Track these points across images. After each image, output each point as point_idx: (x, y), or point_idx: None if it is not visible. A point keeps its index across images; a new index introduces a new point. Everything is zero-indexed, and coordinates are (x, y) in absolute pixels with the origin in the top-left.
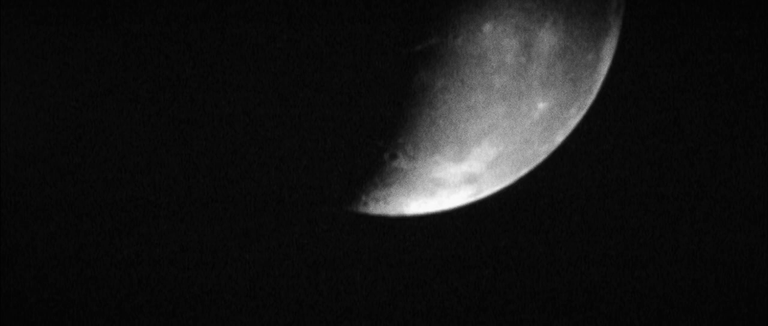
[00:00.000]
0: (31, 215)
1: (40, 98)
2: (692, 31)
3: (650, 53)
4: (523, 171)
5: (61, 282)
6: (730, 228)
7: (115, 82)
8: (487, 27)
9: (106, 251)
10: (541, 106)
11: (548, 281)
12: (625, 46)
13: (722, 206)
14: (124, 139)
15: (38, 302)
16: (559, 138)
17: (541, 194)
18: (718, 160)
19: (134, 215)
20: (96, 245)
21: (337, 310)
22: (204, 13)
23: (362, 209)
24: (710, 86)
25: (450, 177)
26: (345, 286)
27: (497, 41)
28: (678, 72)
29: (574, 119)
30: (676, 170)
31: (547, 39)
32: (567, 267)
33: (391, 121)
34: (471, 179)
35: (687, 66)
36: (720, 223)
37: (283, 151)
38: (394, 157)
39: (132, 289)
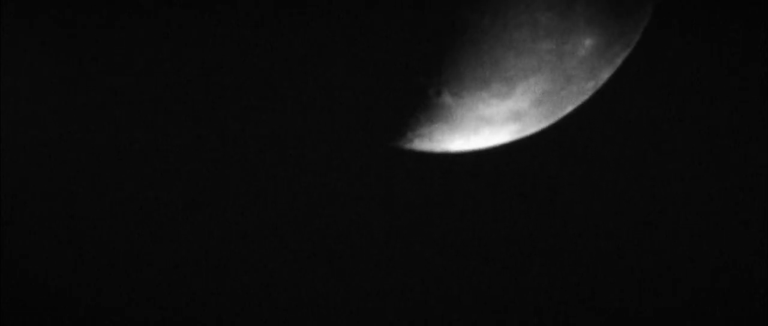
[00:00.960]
0: (32, 215)
1: (41, 97)
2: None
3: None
4: (569, 108)
5: (62, 283)
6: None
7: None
8: None
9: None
10: (587, 42)
11: (591, 221)
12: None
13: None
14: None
15: (38, 302)
16: (605, 74)
17: (586, 133)
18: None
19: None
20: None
21: (382, 248)
22: None
23: (408, 145)
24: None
25: (495, 114)
26: (390, 222)
27: None
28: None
29: (619, 56)
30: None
31: None
32: (609, 208)
33: (436, 57)
34: (516, 116)
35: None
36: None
37: (330, 87)
38: (438, 93)
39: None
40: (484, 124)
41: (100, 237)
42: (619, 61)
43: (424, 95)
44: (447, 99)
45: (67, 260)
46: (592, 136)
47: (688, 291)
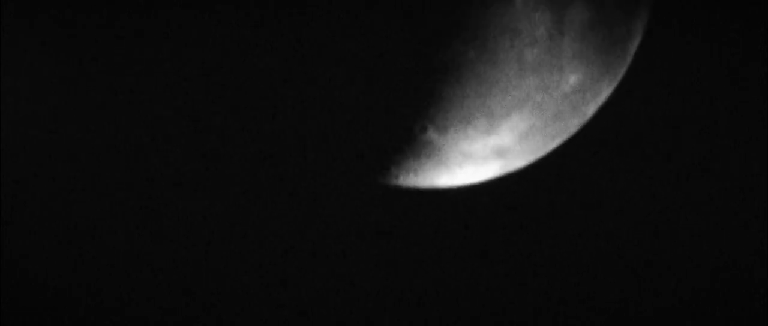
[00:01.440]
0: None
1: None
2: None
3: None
4: (554, 144)
5: (62, 283)
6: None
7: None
8: (519, 0)
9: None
10: (573, 78)
11: (575, 257)
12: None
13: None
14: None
15: (39, 302)
16: (591, 110)
17: (572, 169)
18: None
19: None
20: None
21: (367, 283)
22: None
23: (393, 181)
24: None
25: (479, 150)
26: (376, 258)
27: (529, 13)
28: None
29: (605, 92)
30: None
31: (579, 12)
32: (593, 244)
33: (422, 93)
34: (501, 152)
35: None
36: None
37: (315, 124)
38: (424, 129)
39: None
40: (469, 159)
41: (100, 238)
42: (604, 97)
43: (409, 131)
44: (432, 135)
45: (67, 260)
46: (577, 172)
47: (685, 304)
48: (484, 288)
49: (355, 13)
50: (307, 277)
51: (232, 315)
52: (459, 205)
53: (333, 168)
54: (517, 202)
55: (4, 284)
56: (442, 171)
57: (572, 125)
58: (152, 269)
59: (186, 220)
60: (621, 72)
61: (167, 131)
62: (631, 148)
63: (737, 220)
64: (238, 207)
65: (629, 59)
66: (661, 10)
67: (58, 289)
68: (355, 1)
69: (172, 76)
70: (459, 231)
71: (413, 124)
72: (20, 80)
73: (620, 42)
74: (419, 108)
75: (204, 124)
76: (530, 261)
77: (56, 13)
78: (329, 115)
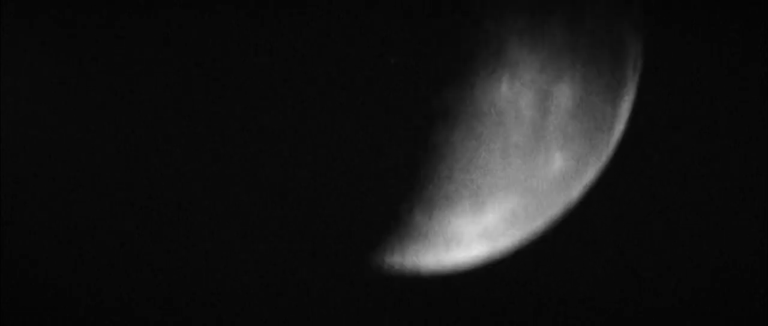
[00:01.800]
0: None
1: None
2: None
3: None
4: (540, 228)
5: (62, 282)
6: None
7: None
8: (504, 81)
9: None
10: (559, 162)
11: None
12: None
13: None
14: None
15: (38, 302)
16: (576, 193)
17: (558, 253)
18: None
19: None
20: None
21: None
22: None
23: (377, 267)
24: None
25: (465, 234)
26: None
27: (514, 95)
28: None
29: (590, 175)
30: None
31: (564, 93)
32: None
33: (407, 176)
34: (486, 236)
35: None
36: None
37: (294, 205)
38: (409, 211)
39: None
40: (455, 243)
41: (100, 237)
42: (590, 177)
43: (395, 213)
44: (417, 217)
45: (67, 260)
46: (567, 253)
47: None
48: None
49: (337, 98)
50: None
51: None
52: (444, 291)
53: (315, 255)
54: (506, 289)
55: (4, 284)
56: (428, 255)
57: (558, 205)
58: (151, 269)
59: (186, 221)
60: (606, 154)
61: (166, 132)
62: (619, 232)
63: (736, 229)
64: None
65: (615, 140)
66: (648, 91)
67: (58, 289)
68: (337, 85)
69: (172, 76)
70: (443, 319)
71: (399, 205)
72: (20, 80)
73: (606, 123)
74: (404, 190)
75: (203, 125)
76: None
77: (56, 13)
78: (310, 197)
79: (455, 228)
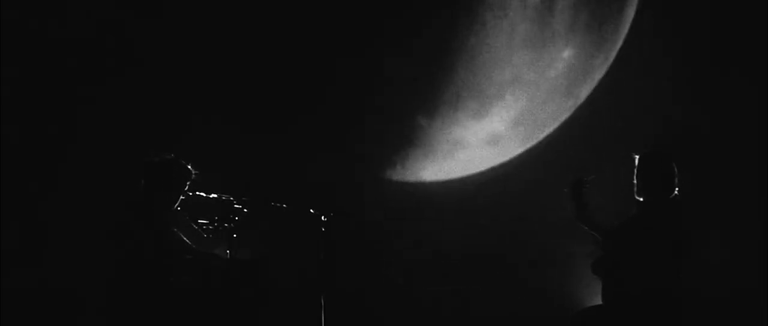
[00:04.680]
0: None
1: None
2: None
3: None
4: (548, 130)
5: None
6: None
7: None
8: None
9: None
10: (566, 54)
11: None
12: None
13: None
14: None
15: (39, 302)
16: (584, 92)
17: (566, 156)
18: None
19: None
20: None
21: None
22: None
23: (380, 174)
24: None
25: (470, 137)
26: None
27: None
28: None
29: (599, 71)
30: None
31: None
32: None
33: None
34: (493, 139)
35: None
36: None
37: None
38: (410, 114)
39: None
40: (460, 148)
41: (98, 237)
42: (597, 77)
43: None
44: (420, 121)
45: (67, 259)
46: (572, 157)
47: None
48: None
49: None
50: None
51: None
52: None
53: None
54: (514, 193)
55: (5, 284)
56: (430, 161)
57: (566, 107)
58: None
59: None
60: (615, 48)
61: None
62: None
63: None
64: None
65: (624, 33)
66: None
67: (57, 289)
68: None
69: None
70: (450, 228)
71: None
72: (20, 80)
73: (614, 12)
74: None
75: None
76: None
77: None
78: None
79: (460, 132)
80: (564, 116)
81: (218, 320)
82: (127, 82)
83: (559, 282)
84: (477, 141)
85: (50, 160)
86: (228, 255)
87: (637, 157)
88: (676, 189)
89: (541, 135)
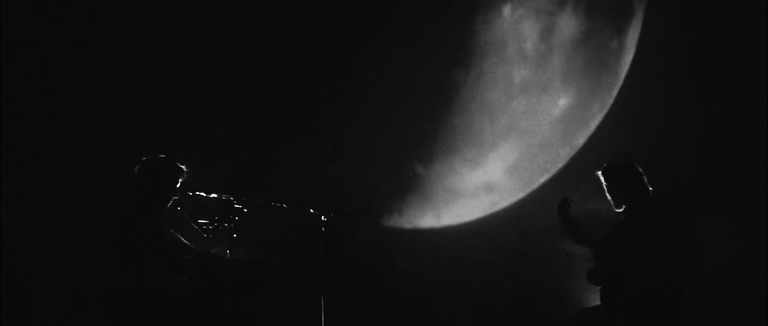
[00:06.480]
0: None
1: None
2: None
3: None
4: (544, 178)
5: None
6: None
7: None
8: (507, 10)
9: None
10: (562, 102)
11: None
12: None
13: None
14: None
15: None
16: (580, 140)
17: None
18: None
19: None
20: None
21: None
22: None
23: (376, 220)
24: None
25: (467, 185)
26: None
27: (516, 26)
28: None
29: (595, 119)
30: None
31: (567, 24)
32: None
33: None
34: (489, 187)
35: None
36: None
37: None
38: (408, 161)
39: None
40: (456, 195)
41: (98, 237)
42: (594, 124)
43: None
44: (418, 169)
45: (66, 259)
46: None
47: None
48: None
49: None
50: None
51: None
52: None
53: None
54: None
55: (5, 284)
56: (428, 209)
57: (561, 156)
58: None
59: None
60: (612, 95)
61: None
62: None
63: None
64: None
65: (621, 79)
66: (652, 25)
67: (57, 288)
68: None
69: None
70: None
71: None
72: (20, 81)
73: (612, 57)
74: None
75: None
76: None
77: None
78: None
79: (455, 180)
80: (559, 165)
81: (218, 320)
82: (127, 82)
83: (560, 282)
84: (472, 188)
85: (49, 160)
86: (228, 255)
87: (599, 173)
88: (649, 188)
89: (537, 183)
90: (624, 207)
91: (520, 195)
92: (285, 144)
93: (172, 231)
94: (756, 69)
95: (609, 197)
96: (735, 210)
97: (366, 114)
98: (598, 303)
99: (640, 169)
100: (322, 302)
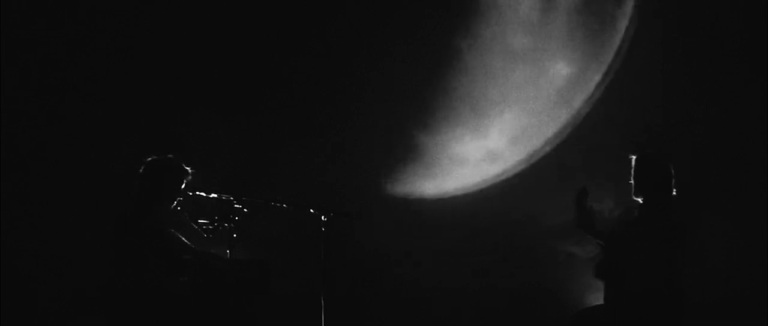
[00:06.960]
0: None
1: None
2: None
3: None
4: (547, 147)
5: (63, 282)
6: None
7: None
8: None
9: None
10: (562, 68)
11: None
12: None
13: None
14: None
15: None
16: (580, 103)
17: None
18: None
19: None
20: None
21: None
22: None
23: (380, 190)
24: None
25: (470, 153)
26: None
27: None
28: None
29: (594, 81)
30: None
31: None
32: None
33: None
34: (493, 156)
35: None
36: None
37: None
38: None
39: None
40: (459, 164)
41: (98, 237)
42: (593, 87)
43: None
44: (421, 138)
45: (66, 259)
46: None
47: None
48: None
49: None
50: None
51: None
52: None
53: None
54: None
55: (5, 284)
56: (431, 178)
57: (563, 121)
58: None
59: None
60: (609, 59)
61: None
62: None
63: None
64: None
65: (618, 44)
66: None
67: (57, 288)
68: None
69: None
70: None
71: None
72: (21, 81)
73: (610, 23)
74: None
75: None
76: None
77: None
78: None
79: (459, 148)
80: (564, 134)
81: (218, 320)
82: (126, 82)
83: (560, 282)
84: (476, 157)
85: (49, 160)
86: (228, 255)
87: (634, 157)
88: (674, 190)
89: (541, 152)
90: (641, 200)
91: (523, 164)
92: (285, 144)
93: (172, 230)
94: (756, 69)
95: (632, 182)
96: (735, 210)
97: (366, 114)
98: (598, 302)
99: (673, 170)
100: (322, 302)
